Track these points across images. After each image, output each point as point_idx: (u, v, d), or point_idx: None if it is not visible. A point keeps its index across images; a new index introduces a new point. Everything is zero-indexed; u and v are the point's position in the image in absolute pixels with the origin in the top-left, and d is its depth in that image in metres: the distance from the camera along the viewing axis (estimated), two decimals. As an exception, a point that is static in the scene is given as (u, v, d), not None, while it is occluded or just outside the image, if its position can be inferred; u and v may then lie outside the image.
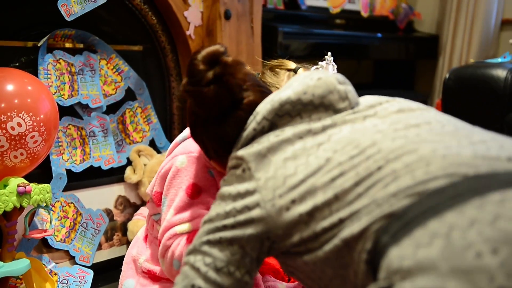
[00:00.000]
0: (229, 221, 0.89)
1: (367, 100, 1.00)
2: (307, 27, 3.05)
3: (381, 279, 0.69)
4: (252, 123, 0.97)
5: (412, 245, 0.67)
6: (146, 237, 1.36)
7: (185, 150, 1.24)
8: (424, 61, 3.83)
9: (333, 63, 1.39)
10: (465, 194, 0.69)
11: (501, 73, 2.25)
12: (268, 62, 1.43)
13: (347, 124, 0.93)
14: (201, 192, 1.20)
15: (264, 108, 0.97)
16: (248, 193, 0.89)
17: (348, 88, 1.00)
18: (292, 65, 1.38)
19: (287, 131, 0.93)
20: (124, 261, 1.37)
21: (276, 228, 0.86)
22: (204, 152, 1.11)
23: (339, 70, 3.91)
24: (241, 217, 0.88)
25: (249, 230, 0.88)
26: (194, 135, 1.09)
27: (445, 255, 0.62)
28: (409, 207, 0.73)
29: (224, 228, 0.89)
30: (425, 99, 3.61)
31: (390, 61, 3.89)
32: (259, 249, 0.89)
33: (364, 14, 3.50)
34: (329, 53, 1.38)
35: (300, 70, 1.35)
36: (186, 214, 1.18)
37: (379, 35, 3.39)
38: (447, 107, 2.64)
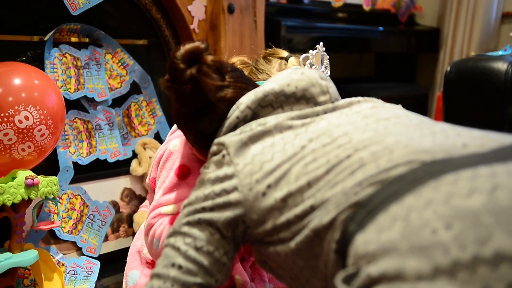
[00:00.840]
0: (208, 203, 0.91)
1: (346, 99, 1.02)
2: (309, 21, 3.05)
3: (349, 265, 0.71)
4: (236, 112, 0.99)
5: (376, 230, 0.69)
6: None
7: (179, 134, 1.26)
8: (425, 54, 3.82)
9: (325, 53, 1.38)
10: (422, 178, 0.71)
11: (501, 66, 2.24)
12: (263, 51, 1.45)
13: (324, 117, 0.96)
14: (189, 173, 1.21)
15: (248, 98, 0.99)
16: (227, 177, 0.91)
17: (329, 84, 1.03)
18: (284, 53, 1.39)
19: (269, 123, 0.95)
20: (129, 253, 1.38)
21: (252, 213, 0.88)
22: (189, 142, 1.13)
23: (341, 63, 3.92)
24: (219, 200, 0.90)
25: (226, 213, 0.89)
26: (177, 124, 1.11)
27: (404, 235, 0.65)
28: (372, 195, 0.75)
29: (203, 210, 0.91)
30: (426, 92, 3.60)
31: (391, 54, 3.87)
32: (233, 231, 0.90)
33: (366, 7, 3.48)
34: (321, 43, 1.37)
35: (292, 59, 1.36)
36: (173, 195, 1.19)
37: (381, 28, 3.38)
38: (448, 100, 2.63)
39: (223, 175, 0.92)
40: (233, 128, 0.99)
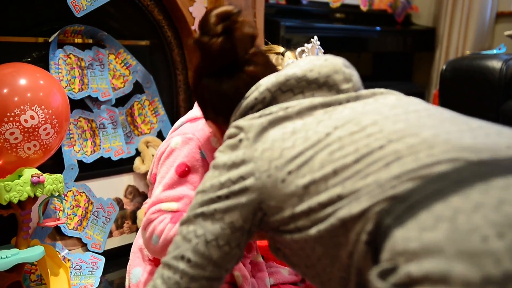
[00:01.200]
0: (223, 191, 0.87)
1: (369, 89, 0.98)
2: (308, 21, 3.05)
3: (384, 260, 0.67)
4: (254, 93, 0.95)
5: (417, 227, 0.65)
6: None
7: (180, 132, 1.25)
8: (421, 53, 3.82)
9: (320, 47, 1.37)
10: (469, 179, 0.67)
11: (496, 64, 2.25)
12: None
13: (347, 105, 0.91)
14: (190, 172, 1.21)
15: (268, 80, 0.96)
16: (243, 162, 0.87)
17: (352, 71, 0.99)
18: (280, 49, 1.38)
19: (291, 108, 0.90)
20: (131, 251, 1.38)
21: (270, 199, 0.85)
22: (203, 112, 1.10)
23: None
24: (235, 187, 0.87)
25: (243, 200, 0.86)
26: (196, 89, 1.07)
27: (451, 238, 0.61)
28: (413, 190, 0.71)
29: (219, 199, 0.88)
30: (423, 90, 3.61)
31: (388, 54, 3.87)
32: (251, 220, 0.87)
33: (363, 8, 3.49)
34: (315, 37, 1.37)
35: (288, 53, 1.35)
36: (173, 192, 1.19)
37: (378, 28, 3.38)
38: (444, 98, 2.63)
39: (239, 160, 0.88)
40: (250, 109, 0.95)
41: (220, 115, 1.04)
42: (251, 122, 0.90)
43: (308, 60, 0.99)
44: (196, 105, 1.35)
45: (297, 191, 0.82)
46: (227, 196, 0.87)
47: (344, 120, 0.86)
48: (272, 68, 1.05)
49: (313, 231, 0.80)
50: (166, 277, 0.88)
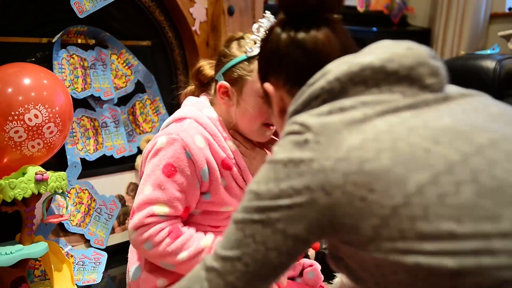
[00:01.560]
0: (285, 201, 0.73)
1: (455, 87, 0.82)
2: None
3: None
4: (321, 81, 0.80)
5: None
6: None
7: (166, 132, 1.25)
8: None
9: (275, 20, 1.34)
10: None
11: (490, 64, 2.25)
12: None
13: (440, 109, 0.74)
14: (176, 172, 1.20)
15: (338, 68, 0.79)
16: (310, 170, 0.72)
17: (439, 63, 0.82)
18: (238, 34, 1.32)
19: (371, 109, 0.74)
20: (130, 248, 1.38)
21: (343, 217, 0.70)
22: (264, 70, 0.96)
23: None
24: (299, 199, 0.73)
25: (309, 213, 0.72)
26: (267, 42, 0.94)
27: None
28: None
29: (279, 208, 0.74)
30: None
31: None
32: (317, 233, 0.74)
33: (360, 9, 3.49)
34: (268, 12, 1.29)
35: (246, 34, 1.29)
36: (163, 194, 1.19)
37: (375, 29, 3.38)
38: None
39: (305, 166, 0.73)
40: (315, 98, 0.80)
41: (283, 75, 0.89)
42: (321, 120, 0.75)
43: (386, 46, 0.82)
44: (184, 104, 1.35)
45: (384, 212, 0.67)
46: (289, 207, 0.73)
47: (448, 133, 0.69)
48: (347, 43, 0.90)
49: (409, 259, 0.66)
50: (214, 285, 0.79)
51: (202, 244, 1.20)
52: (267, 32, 0.95)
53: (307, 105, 0.81)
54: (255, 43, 1.24)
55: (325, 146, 0.72)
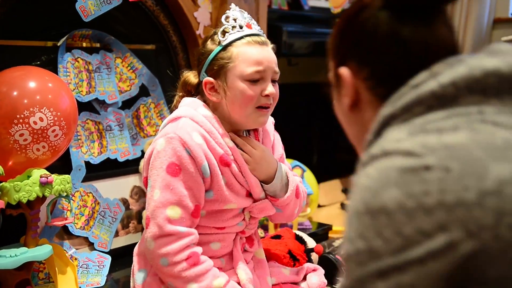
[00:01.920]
0: (417, 252, 0.54)
1: None
2: (310, 26, 3.04)
3: None
4: (431, 83, 0.64)
5: None
6: None
7: (163, 133, 1.26)
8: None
9: (241, 9, 1.33)
10: None
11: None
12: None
13: None
14: (180, 170, 1.21)
15: (455, 71, 0.64)
16: (445, 206, 0.54)
17: None
18: (211, 32, 1.34)
19: (504, 128, 0.58)
20: (135, 253, 1.37)
21: (488, 267, 0.53)
22: (340, 53, 0.77)
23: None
24: (434, 244, 0.54)
25: (440, 263, 0.54)
26: (352, 21, 0.75)
27: None
28: None
29: (408, 266, 0.54)
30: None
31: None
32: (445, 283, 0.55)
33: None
34: (233, 4, 1.34)
35: (216, 30, 1.31)
36: (172, 194, 1.21)
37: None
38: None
39: (435, 201, 0.54)
40: (418, 104, 0.64)
41: (370, 67, 0.72)
42: (446, 139, 0.58)
43: (508, 51, 0.66)
44: (181, 104, 1.35)
45: None
46: (421, 261, 0.54)
47: None
48: (455, 47, 0.73)
49: None
50: None
51: (215, 284, 1.21)
52: (354, 4, 0.76)
53: (407, 111, 0.65)
54: (226, 32, 1.27)
55: (459, 174, 0.55)
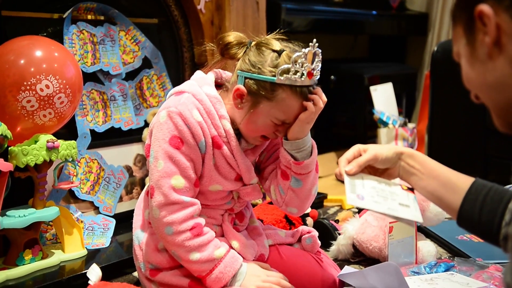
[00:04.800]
0: None
1: None
2: (308, 4, 3.03)
3: None
4: None
5: None
6: (147, 192, 1.33)
7: (165, 106, 1.25)
8: (414, 37, 3.80)
9: (318, 48, 1.21)
10: None
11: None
12: (256, 37, 1.28)
13: None
14: (182, 143, 1.22)
15: None
16: None
17: None
18: (276, 46, 1.22)
19: None
20: (134, 212, 1.39)
21: None
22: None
23: (338, 44, 3.88)
24: None
25: None
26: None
27: None
28: None
29: None
30: (415, 72, 3.60)
31: (384, 37, 3.86)
32: None
33: (361, -7, 3.47)
34: (314, 40, 1.20)
35: (284, 53, 1.20)
36: (175, 165, 1.21)
37: (374, 12, 3.36)
38: (435, 77, 2.63)
39: None
40: None
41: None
42: None
43: None
44: (192, 77, 1.33)
45: None
46: None
47: None
48: None
49: None
50: None
51: (216, 254, 1.21)
52: None
53: None
54: (288, 72, 1.18)
55: None
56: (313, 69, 1.21)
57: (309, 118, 1.24)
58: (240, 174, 1.30)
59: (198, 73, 1.34)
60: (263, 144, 1.35)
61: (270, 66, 1.20)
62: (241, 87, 1.23)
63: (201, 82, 1.29)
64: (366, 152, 1.15)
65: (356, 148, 1.17)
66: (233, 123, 1.28)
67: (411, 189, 1.16)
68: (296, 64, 1.18)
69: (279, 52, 1.21)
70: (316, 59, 1.21)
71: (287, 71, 1.18)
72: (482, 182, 1.01)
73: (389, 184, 1.15)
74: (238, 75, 1.25)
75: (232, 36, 1.29)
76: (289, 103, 1.21)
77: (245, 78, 1.23)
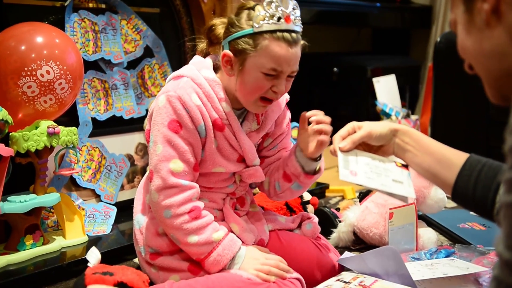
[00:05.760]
0: None
1: None
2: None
3: None
4: None
5: None
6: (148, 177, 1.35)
7: (164, 90, 1.26)
8: (418, 29, 3.79)
9: None
10: None
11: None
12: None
13: None
14: (181, 127, 1.22)
15: None
16: None
17: None
18: (251, 3, 1.25)
19: None
20: (135, 197, 1.41)
21: None
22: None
23: (341, 37, 3.87)
24: None
25: None
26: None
27: None
28: None
29: None
30: (419, 64, 3.59)
31: (387, 29, 3.85)
32: None
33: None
34: None
35: (258, 6, 1.23)
36: (174, 149, 1.22)
37: (378, 4, 3.35)
38: (438, 69, 2.62)
39: None
40: None
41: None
42: None
43: None
44: (191, 61, 1.33)
45: None
46: None
47: None
48: None
49: None
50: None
51: (214, 237, 1.22)
52: None
53: None
54: (264, 19, 1.19)
55: None
56: (291, 14, 1.21)
57: (321, 141, 1.27)
58: (243, 155, 1.31)
59: (196, 58, 1.35)
60: (267, 123, 1.35)
61: (247, 20, 1.22)
62: (227, 51, 1.24)
63: (199, 66, 1.30)
64: (360, 129, 1.15)
65: (351, 125, 1.17)
66: (235, 103, 1.29)
67: (406, 166, 1.16)
68: (270, 9, 1.19)
69: (253, 7, 1.23)
70: (292, 5, 1.22)
71: (262, 18, 1.19)
72: (477, 158, 1.01)
73: (383, 160, 1.15)
74: (222, 46, 1.26)
75: (215, 20, 1.34)
76: (273, 49, 1.20)
77: (228, 42, 1.24)
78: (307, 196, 1.81)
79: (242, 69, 1.23)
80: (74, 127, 1.55)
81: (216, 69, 1.32)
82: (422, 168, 1.09)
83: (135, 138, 1.96)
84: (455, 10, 0.76)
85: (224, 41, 1.26)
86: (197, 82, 1.26)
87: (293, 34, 1.21)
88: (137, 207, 1.38)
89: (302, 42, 1.26)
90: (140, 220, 1.35)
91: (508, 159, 0.58)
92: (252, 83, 1.23)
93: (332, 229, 1.72)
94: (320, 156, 1.34)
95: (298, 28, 1.23)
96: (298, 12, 1.24)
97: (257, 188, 1.47)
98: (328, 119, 1.29)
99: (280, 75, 1.22)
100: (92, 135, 1.81)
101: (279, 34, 1.19)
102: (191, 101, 1.23)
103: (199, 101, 1.24)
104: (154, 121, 1.25)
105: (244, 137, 1.29)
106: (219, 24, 1.33)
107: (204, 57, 1.36)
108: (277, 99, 1.28)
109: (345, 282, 1.23)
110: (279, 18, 1.19)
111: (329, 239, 1.70)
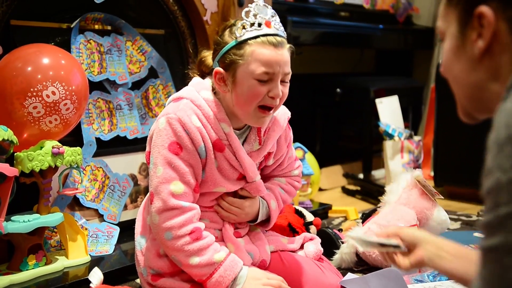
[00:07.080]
0: None
1: None
2: (314, 17, 3.06)
3: None
4: None
5: None
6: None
7: (164, 112, 1.28)
8: (421, 51, 3.82)
9: (265, 4, 1.27)
10: None
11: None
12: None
13: None
14: (181, 148, 1.23)
15: None
16: None
17: None
18: (231, 21, 1.30)
19: None
20: (136, 218, 1.41)
21: None
22: None
23: (345, 58, 3.89)
24: None
25: None
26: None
27: None
28: None
29: None
30: (422, 85, 3.60)
31: (390, 51, 3.88)
32: None
33: (366, 5, 3.50)
34: None
35: (237, 21, 1.27)
36: (174, 171, 1.23)
37: (381, 26, 3.38)
38: (441, 90, 2.64)
39: None
40: None
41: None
42: None
43: None
44: (190, 83, 1.35)
45: None
46: None
47: None
48: None
49: None
50: None
51: (216, 258, 1.22)
52: None
53: None
54: (244, 27, 1.23)
55: None
56: (271, 20, 1.24)
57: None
58: (244, 173, 1.32)
59: (196, 79, 1.36)
60: (268, 143, 1.36)
61: (229, 34, 1.26)
62: (218, 68, 1.26)
63: (198, 87, 1.31)
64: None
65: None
66: (235, 122, 1.30)
67: None
68: (249, 17, 1.22)
69: (234, 23, 1.27)
70: (269, 11, 1.25)
71: (243, 27, 1.23)
72: None
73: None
74: (214, 67, 1.29)
75: (203, 53, 1.39)
76: (260, 53, 1.21)
77: (218, 61, 1.27)
78: (310, 217, 1.81)
79: (234, 81, 1.24)
80: (78, 147, 1.56)
81: (215, 89, 1.33)
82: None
83: (139, 158, 1.97)
84: (446, 23, 0.76)
85: (214, 62, 1.29)
86: (197, 104, 1.27)
87: (277, 37, 1.24)
88: (138, 228, 1.38)
89: (288, 45, 1.28)
90: (141, 241, 1.35)
91: (486, 202, 0.57)
92: (247, 92, 1.24)
93: (335, 250, 1.72)
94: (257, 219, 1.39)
95: (281, 33, 1.26)
96: (277, 19, 1.27)
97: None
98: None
99: (273, 78, 1.23)
100: (96, 155, 1.82)
101: (262, 38, 1.22)
102: (191, 122, 1.24)
103: (199, 122, 1.25)
104: (154, 143, 1.26)
105: (245, 155, 1.31)
106: (208, 56, 1.36)
107: (203, 78, 1.38)
108: (276, 106, 1.27)
109: (348, 304, 1.22)
110: (259, 24, 1.23)
111: (331, 260, 1.69)
